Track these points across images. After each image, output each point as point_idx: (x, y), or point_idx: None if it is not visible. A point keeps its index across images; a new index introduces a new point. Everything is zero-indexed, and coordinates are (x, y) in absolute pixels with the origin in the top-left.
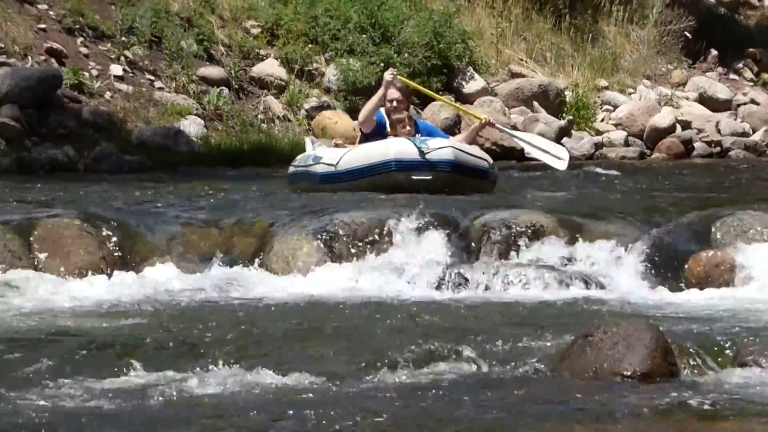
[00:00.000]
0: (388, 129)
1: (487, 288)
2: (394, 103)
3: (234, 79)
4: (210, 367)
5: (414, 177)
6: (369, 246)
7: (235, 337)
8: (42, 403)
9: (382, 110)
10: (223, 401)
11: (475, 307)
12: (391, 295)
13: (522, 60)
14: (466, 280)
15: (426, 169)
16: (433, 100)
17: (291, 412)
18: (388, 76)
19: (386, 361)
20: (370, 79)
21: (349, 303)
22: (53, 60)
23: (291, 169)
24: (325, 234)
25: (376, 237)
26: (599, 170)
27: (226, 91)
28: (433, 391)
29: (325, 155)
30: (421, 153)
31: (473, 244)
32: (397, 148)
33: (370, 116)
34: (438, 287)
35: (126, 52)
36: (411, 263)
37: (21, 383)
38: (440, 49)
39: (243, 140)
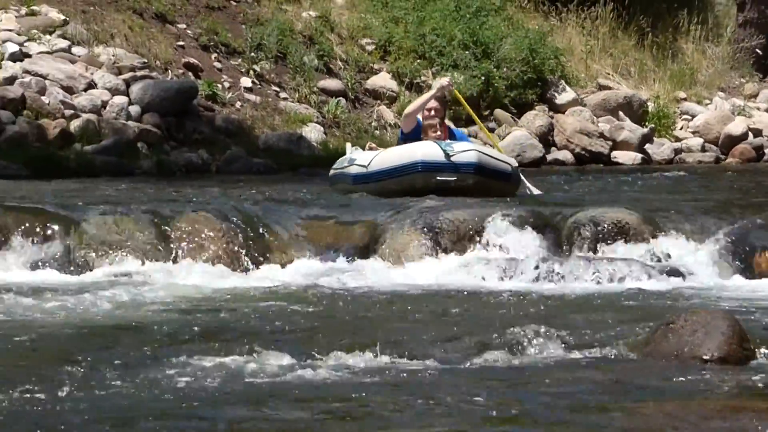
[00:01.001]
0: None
1: (577, 280)
2: (432, 112)
3: (350, 91)
4: (326, 352)
5: (438, 178)
6: (470, 241)
7: (349, 323)
8: (179, 383)
9: (420, 117)
10: (337, 383)
11: (567, 298)
12: (490, 287)
13: (608, 74)
14: (559, 273)
15: (450, 171)
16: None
17: (397, 393)
18: (444, 81)
19: (485, 346)
20: (472, 90)
21: (452, 293)
22: (190, 73)
23: (331, 171)
24: (431, 229)
25: (477, 232)
26: (678, 173)
27: (343, 101)
28: (528, 373)
29: (359, 157)
30: (447, 155)
31: (565, 240)
32: (423, 150)
33: (413, 116)
34: (533, 280)
35: (254, 67)
36: (508, 257)
37: (156, 365)
38: (535, 64)
39: (358, 145)
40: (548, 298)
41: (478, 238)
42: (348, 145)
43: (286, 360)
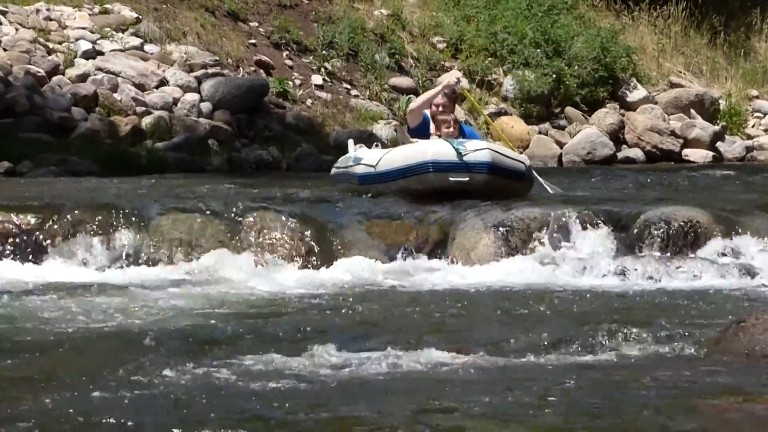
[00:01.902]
0: (432, 129)
1: (649, 278)
2: (440, 108)
3: (421, 88)
4: (402, 350)
5: (451, 178)
6: (540, 239)
7: (422, 321)
8: (245, 380)
9: (427, 113)
10: (415, 379)
11: (638, 296)
12: (560, 284)
13: (680, 72)
14: (630, 270)
15: (463, 170)
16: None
17: (475, 390)
18: (452, 79)
19: (559, 344)
20: (543, 88)
21: (522, 291)
22: (261, 71)
23: (333, 170)
24: (501, 228)
25: (548, 230)
26: (749, 171)
27: (414, 98)
28: (601, 371)
29: (365, 156)
30: (459, 154)
31: (636, 238)
32: (434, 149)
33: (419, 110)
34: (603, 278)
35: (326, 64)
36: (577, 255)
37: (216, 358)
38: (606, 63)
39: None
40: (619, 296)
41: (548, 237)
42: (350, 141)
43: (363, 357)
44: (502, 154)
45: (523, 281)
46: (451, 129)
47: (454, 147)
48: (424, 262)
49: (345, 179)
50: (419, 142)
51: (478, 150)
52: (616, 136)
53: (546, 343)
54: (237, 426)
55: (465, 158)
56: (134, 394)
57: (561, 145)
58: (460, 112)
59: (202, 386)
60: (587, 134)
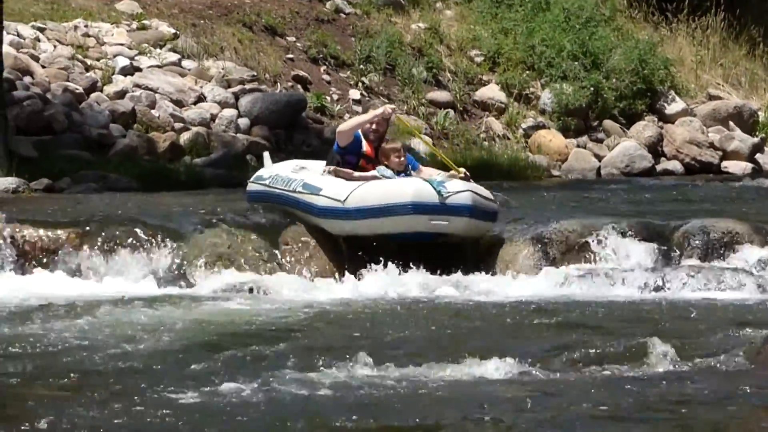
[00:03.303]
0: (365, 147)
1: (687, 289)
2: (374, 127)
3: (459, 102)
4: (445, 362)
5: (433, 222)
6: (579, 251)
7: (463, 334)
8: (288, 392)
9: (360, 133)
10: (458, 390)
11: (678, 307)
12: (599, 296)
13: (719, 84)
14: (669, 282)
15: (444, 213)
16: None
17: (518, 401)
18: (387, 110)
19: (600, 355)
20: (581, 101)
21: (562, 303)
22: (299, 86)
23: (253, 186)
24: (541, 240)
25: (586, 243)
26: None
27: (452, 112)
28: (642, 382)
29: (324, 187)
30: (440, 196)
31: (675, 249)
32: (414, 189)
33: (351, 132)
34: (642, 289)
35: (363, 79)
36: (617, 267)
37: (266, 371)
38: (645, 75)
39: (467, 156)
40: (659, 307)
41: (587, 249)
42: (266, 154)
43: (408, 369)
44: (480, 195)
45: (562, 293)
46: (402, 158)
47: (434, 188)
48: (464, 274)
49: (285, 203)
50: (394, 180)
51: (459, 192)
52: (655, 149)
53: (586, 355)
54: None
55: (446, 201)
56: (183, 405)
57: (599, 158)
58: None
59: (247, 398)
60: (626, 147)
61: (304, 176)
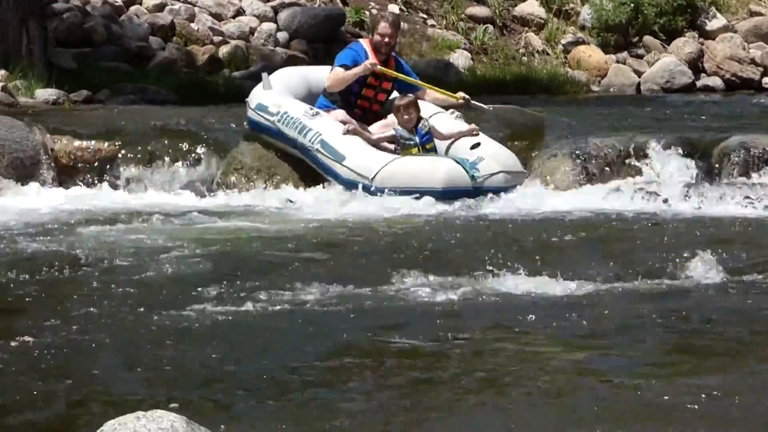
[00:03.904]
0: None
1: (728, 205)
2: (386, 39)
3: (498, 18)
4: (485, 275)
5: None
6: (619, 166)
7: (503, 247)
8: (322, 305)
9: (365, 44)
10: (498, 303)
11: (717, 223)
12: (637, 211)
13: (760, 0)
14: (709, 198)
15: (477, 197)
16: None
17: (559, 315)
18: (368, 66)
19: (641, 270)
20: (621, 17)
21: (601, 218)
22: (338, 0)
23: (256, 116)
24: (580, 155)
25: (626, 158)
26: None
27: (491, 28)
28: (686, 297)
29: (348, 155)
30: (473, 179)
31: (715, 165)
32: (445, 171)
33: (340, 86)
34: (681, 204)
35: None
36: (657, 182)
37: (304, 285)
38: None
39: (506, 72)
40: (698, 222)
41: (626, 164)
42: (265, 75)
43: (446, 280)
44: (513, 172)
45: (600, 208)
46: (408, 116)
47: (467, 171)
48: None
49: (301, 153)
50: (426, 160)
51: (493, 175)
52: (695, 65)
53: (627, 269)
54: (324, 351)
55: (479, 185)
56: (215, 317)
57: (639, 74)
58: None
59: (284, 310)
60: (665, 63)
61: (321, 129)
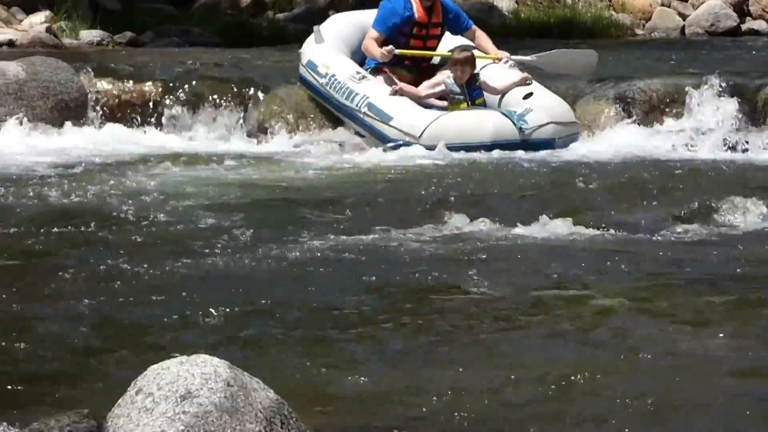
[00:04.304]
0: (416, 14)
1: None
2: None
3: None
4: (525, 221)
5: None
6: (663, 110)
7: (544, 192)
8: (359, 248)
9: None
10: (538, 249)
11: (760, 168)
12: (682, 157)
13: None
14: (753, 143)
15: (526, 149)
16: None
17: (598, 261)
18: (385, 54)
19: (681, 215)
20: None
21: (644, 163)
22: None
23: (306, 75)
24: (623, 99)
25: (670, 101)
26: None
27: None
28: (726, 242)
29: (396, 116)
30: (522, 133)
31: (760, 110)
32: (494, 125)
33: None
34: (725, 149)
35: None
36: (700, 126)
37: (339, 227)
38: None
39: (550, 15)
40: (741, 168)
41: (670, 107)
42: (316, 28)
43: (479, 228)
44: (564, 123)
45: (644, 153)
46: (461, 72)
47: (515, 123)
48: None
49: (349, 117)
50: (473, 114)
51: (541, 126)
52: (741, 8)
53: (667, 214)
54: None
55: (528, 138)
56: (265, 258)
57: (684, 16)
58: None
59: (325, 256)
60: (711, 6)
61: (369, 92)
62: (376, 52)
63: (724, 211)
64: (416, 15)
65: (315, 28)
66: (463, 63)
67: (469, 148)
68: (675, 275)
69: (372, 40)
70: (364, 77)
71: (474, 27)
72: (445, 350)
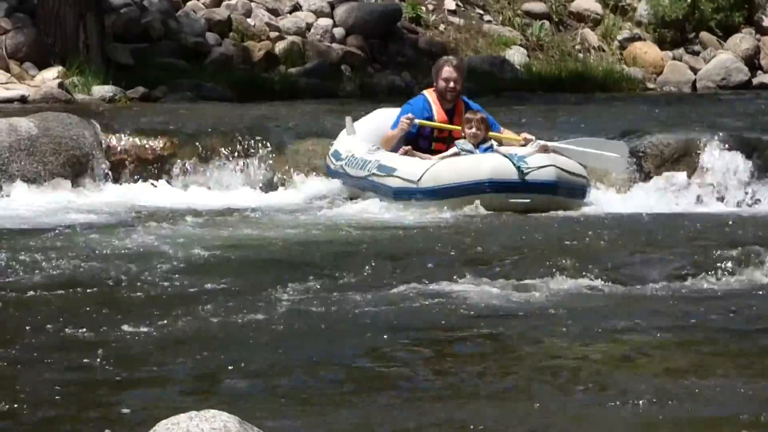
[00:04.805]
0: (436, 116)
1: None
2: (451, 84)
3: (554, 14)
4: (538, 276)
5: (511, 200)
6: (674, 164)
7: (555, 247)
8: (367, 301)
9: (428, 94)
10: (552, 304)
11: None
12: (693, 210)
13: None
14: (763, 197)
15: (525, 190)
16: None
17: (616, 316)
18: (404, 123)
19: (696, 269)
20: (677, 13)
21: (655, 217)
22: None
23: (330, 164)
24: (635, 153)
25: (681, 156)
26: None
27: (547, 23)
28: (739, 297)
29: (399, 167)
30: (520, 173)
31: None
32: (492, 165)
33: (389, 147)
34: (738, 203)
35: None
36: (712, 181)
37: (355, 283)
38: None
39: (561, 68)
40: (755, 222)
41: (682, 162)
42: (348, 119)
43: (493, 283)
44: (567, 171)
45: (656, 206)
46: (474, 129)
47: (514, 164)
48: None
49: (361, 186)
50: (471, 156)
51: (541, 167)
52: (752, 62)
53: (682, 268)
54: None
55: (527, 177)
56: (277, 309)
57: (695, 71)
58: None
59: (337, 309)
60: (722, 60)
61: (380, 157)
62: (393, 132)
63: (736, 264)
64: (436, 117)
65: (347, 119)
66: (478, 122)
67: (468, 189)
68: (686, 329)
69: (388, 131)
70: (378, 149)
71: (502, 129)
72: (455, 408)
